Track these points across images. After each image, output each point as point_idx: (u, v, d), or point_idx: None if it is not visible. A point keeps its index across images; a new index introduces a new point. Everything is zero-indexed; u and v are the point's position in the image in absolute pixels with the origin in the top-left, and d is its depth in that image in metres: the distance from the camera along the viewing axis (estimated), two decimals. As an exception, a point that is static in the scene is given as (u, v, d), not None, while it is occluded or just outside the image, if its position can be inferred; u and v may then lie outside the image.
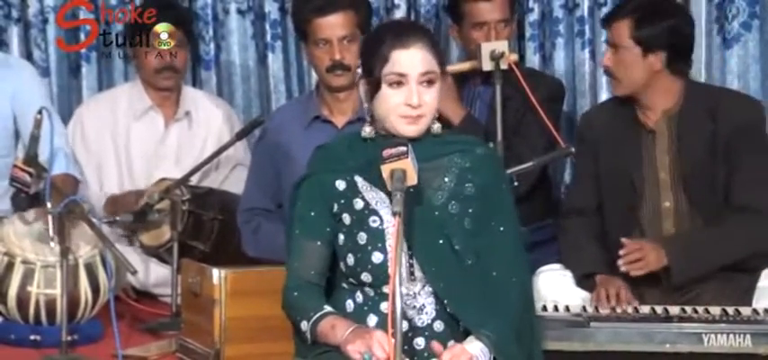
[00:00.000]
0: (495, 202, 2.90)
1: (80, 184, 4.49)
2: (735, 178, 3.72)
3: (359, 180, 2.89)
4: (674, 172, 3.78)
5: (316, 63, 4.21)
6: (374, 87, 2.87)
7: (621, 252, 3.63)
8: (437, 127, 2.92)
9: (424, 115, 2.85)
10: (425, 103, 2.84)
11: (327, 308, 2.83)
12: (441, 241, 2.85)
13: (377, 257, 2.83)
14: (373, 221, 2.85)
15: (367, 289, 2.87)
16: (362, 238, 2.85)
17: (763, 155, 3.78)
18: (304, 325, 2.81)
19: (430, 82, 2.85)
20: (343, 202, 2.89)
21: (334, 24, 4.12)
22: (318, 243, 2.89)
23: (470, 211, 2.87)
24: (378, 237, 2.82)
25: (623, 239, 3.67)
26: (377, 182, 2.81)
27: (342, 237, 2.88)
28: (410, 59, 2.84)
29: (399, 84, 2.84)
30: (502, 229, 2.88)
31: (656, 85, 3.78)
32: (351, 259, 2.87)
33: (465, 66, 4.40)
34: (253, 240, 4.24)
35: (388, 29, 2.99)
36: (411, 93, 2.83)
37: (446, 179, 2.89)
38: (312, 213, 2.90)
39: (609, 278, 3.68)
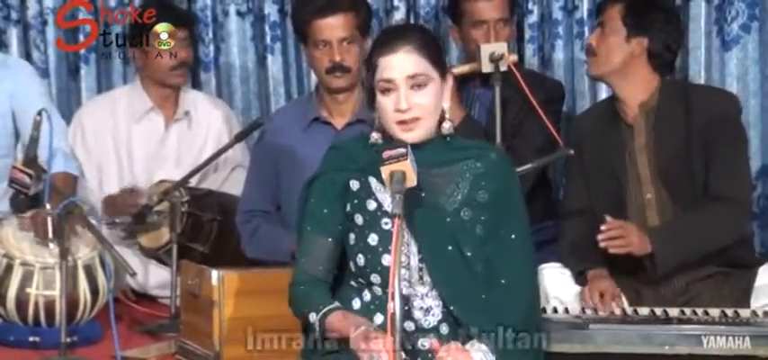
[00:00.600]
0: (507, 209, 2.90)
1: (79, 181, 4.48)
2: (711, 170, 3.77)
3: (373, 181, 2.89)
4: (653, 165, 3.82)
5: (315, 65, 4.21)
6: (371, 96, 2.88)
7: (603, 227, 3.65)
8: (448, 126, 2.91)
9: (420, 118, 2.84)
10: (417, 105, 2.83)
11: (337, 303, 2.83)
12: (450, 247, 2.85)
13: (387, 260, 2.83)
14: (385, 224, 2.86)
15: (375, 288, 2.88)
16: (374, 239, 2.86)
17: (738, 146, 3.84)
18: (313, 317, 2.81)
19: (420, 84, 2.84)
20: (356, 202, 2.90)
21: (333, 26, 4.12)
22: (329, 239, 2.91)
23: (482, 218, 2.88)
24: (389, 239, 2.81)
25: (607, 217, 3.69)
26: None
27: (353, 236, 2.89)
28: (396, 64, 2.84)
29: (389, 90, 2.85)
30: (513, 236, 2.88)
31: (631, 73, 3.83)
32: (361, 260, 2.88)
33: (466, 68, 4.40)
34: (252, 242, 4.24)
35: (381, 36, 3.01)
36: (399, 97, 2.83)
37: (460, 185, 2.89)
38: (325, 210, 2.91)
39: (599, 276, 3.69)
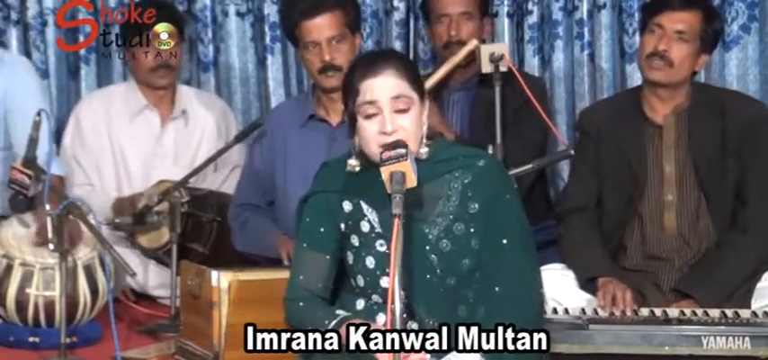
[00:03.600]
0: (499, 215, 2.88)
1: (68, 179, 4.46)
2: (748, 175, 3.77)
3: (363, 205, 2.90)
4: (680, 166, 3.81)
5: (308, 66, 4.23)
6: (353, 121, 2.88)
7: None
8: (424, 151, 2.90)
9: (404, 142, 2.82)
10: (401, 127, 2.83)
11: (340, 312, 2.82)
12: (428, 276, 2.85)
13: (385, 282, 2.84)
14: (380, 245, 2.86)
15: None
16: (371, 262, 2.87)
17: None
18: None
19: (403, 108, 2.84)
20: (350, 223, 2.90)
21: (321, 26, 4.12)
22: (326, 257, 2.91)
23: (474, 229, 2.87)
24: (385, 262, 2.83)
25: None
26: (380, 205, 2.81)
27: (351, 256, 2.90)
28: (379, 86, 2.84)
29: (373, 114, 2.84)
30: (505, 242, 2.86)
31: (684, 83, 3.82)
32: (360, 280, 2.89)
33: (443, 71, 4.35)
34: (240, 235, 4.27)
35: (359, 61, 3.00)
36: (384, 120, 2.82)
37: (450, 198, 2.88)
38: (321, 229, 2.92)
39: (611, 281, 3.68)
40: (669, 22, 3.76)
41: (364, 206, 2.89)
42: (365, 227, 2.88)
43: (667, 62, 3.76)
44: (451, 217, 2.87)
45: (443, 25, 4.41)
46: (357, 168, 2.90)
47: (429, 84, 4.33)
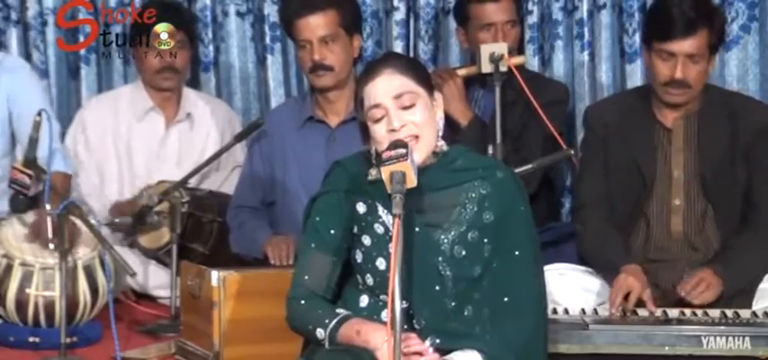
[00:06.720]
0: (513, 226, 2.88)
1: (72, 178, 4.46)
2: (756, 180, 3.76)
3: (380, 207, 2.89)
4: (689, 170, 3.80)
5: (301, 64, 4.25)
6: (365, 131, 2.89)
7: (683, 290, 3.62)
8: (441, 144, 2.90)
9: (417, 136, 2.83)
10: (410, 122, 2.83)
11: (340, 311, 2.83)
12: (438, 287, 2.85)
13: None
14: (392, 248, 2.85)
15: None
16: (382, 263, 2.86)
17: None
18: (321, 333, 2.80)
19: (409, 104, 2.84)
20: (363, 224, 2.90)
21: (313, 25, 4.11)
22: (334, 259, 2.90)
23: (486, 240, 2.87)
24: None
25: (682, 286, 3.65)
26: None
27: (360, 255, 2.89)
28: (380, 87, 2.85)
29: (380, 117, 2.84)
30: (517, 253, 2.87)
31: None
32: (370, 280, 2.88)
33: (472, 70, 4.39)
34: (236, 236, 4.29)
35: (361, 71, 3.00)
36: (391, 119, 2.82)
37: (467, 206, 2.88)
38: (331, 231, 2.90)
39: (629, 271, 3.64)
40: (679, 48, 3.71)
41: (380, 208, 2.89)
42: (379, 229, 2.88)
43: (685, 86, 3.74)
44: (466, 225, 2.87)
45: (489, 33, 4.40)
46: (379, 177, 2.88)
47: (463, 72, 4.38)
